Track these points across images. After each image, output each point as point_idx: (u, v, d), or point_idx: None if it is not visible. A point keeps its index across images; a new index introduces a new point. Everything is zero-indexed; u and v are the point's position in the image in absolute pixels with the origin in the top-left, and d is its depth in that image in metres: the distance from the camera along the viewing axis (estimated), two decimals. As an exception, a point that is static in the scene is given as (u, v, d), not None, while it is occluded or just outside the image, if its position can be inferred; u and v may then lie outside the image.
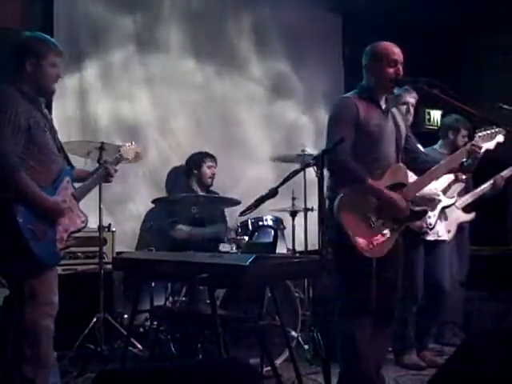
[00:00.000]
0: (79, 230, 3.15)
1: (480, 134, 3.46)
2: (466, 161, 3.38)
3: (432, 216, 4.13)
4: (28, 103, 2.97)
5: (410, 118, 4.10)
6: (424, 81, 3.19)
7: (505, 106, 3.63)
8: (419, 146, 3.70)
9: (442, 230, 4.28)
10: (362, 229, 3.11)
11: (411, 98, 4.12)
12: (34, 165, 2.94)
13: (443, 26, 6.25)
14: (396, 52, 3.24)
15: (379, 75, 3.24)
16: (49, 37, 3.18)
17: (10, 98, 2.93)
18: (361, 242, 3.09)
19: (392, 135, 3.31)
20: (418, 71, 3.20)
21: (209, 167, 4.96)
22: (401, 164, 3.33)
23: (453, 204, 4.30)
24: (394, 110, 3.41)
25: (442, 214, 4.27)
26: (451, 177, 4.22)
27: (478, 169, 3.46)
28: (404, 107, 4.03)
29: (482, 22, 6.14)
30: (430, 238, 4.19)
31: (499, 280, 5.11)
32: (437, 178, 3.46)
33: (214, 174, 4.97)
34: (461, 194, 4.50)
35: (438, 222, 4.22)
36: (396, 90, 3.85)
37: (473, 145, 3.37)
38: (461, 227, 4.55)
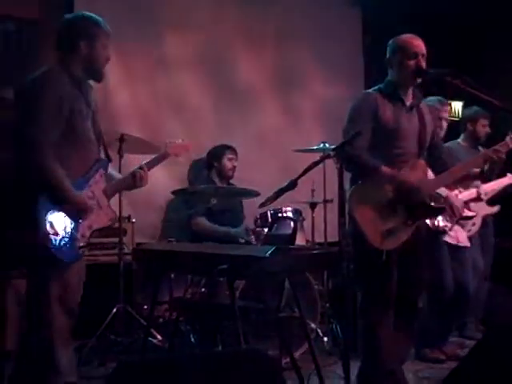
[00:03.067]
0: (105, 228, 3.02)
1: None
2: (485, 168, 3.34)
3: (448, 219, 4.09)
4: (74, 88, 2.87)
5: (442, 133, 4.13)
6: (446, 72, 3.16)
7: None
8: None
9: (462, 237, 4.25)
10: (374, 220, 3.11)
11: (445, 113, 4.19)
12: (69, 152, 2.81)
13: (465, 14, 6.16)
14: (416, 44, 3.21)
15: (400, 68, 3.23)
16: (98, 16, 3.05)
17: (56, 80, 2.81)
18: (371, 233, 3.09)
19: (414, 131, 3.28)
20: (439, 60, 3.17)
21: (229, 159, 4.96)
22: (421, 160, 3.30)
23: (472, 217, 4.26)
24: (422, 105, 3.38)
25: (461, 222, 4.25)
26: (473, 193, 4.24)
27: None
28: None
29: (502, 12, 6.05)
30: (450, 241, 4.17)
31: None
32: (455, 177, 3.39)
33: (234, 167, 4.97)
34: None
35: (459, 229, 4.20)
36: (430, 102, 3.86)
37: (494, 150, 3.31)
38: (485, 221, 4.52)
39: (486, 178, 3.50)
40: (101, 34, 2.96)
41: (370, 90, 3.34)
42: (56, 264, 2.75)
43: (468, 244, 4.29)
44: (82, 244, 2.84)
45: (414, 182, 3.16)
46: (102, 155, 3.06)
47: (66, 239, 2.76)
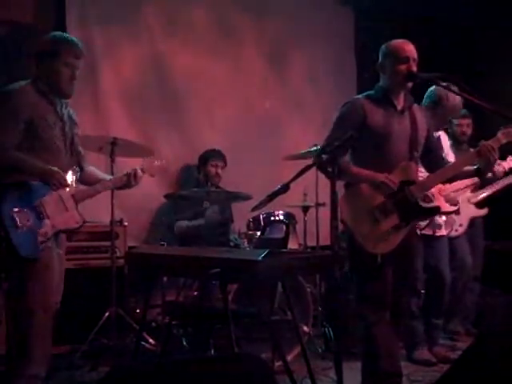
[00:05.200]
0: (71, 231, 3.21)
1: (504, 130, 3.26)
2: (478, 165, 3.30)
3: None
4: (40, 98, 3.05)
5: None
6: (437, 75, 3.17)
7: None
8: None
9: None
10: (365, 224, 3.13)
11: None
12: (36, 158, 3.01)
13: (457, 20, 6.19)
14: (407, 49, 3.23)
15: (391, 73, 3.25)
16: (68, 36, 3.22)
17: (19, 92, 3.04)
18: (363, 237, 3.11)
19: (406, 134, 3.27)
20: (431, 65, 3.18)
21: (212, 166, 4.92)
22: (411, 162, 3.28)
23: (452, 212, 4.25)
24: (415, 107, 3.39)
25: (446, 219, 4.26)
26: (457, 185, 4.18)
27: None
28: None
29: (495, 14, 6.08)
30: (426, 232, 4.13)
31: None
32: (444, 178, 3.38)
33: (217, 173, 4.93)
34: (474, 189, 4.48)
35: (435, 218, 4.20)
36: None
37: (484, 145, 3.23)
38: (474, 222, 4.53)
39: (482, 174, 3.46)
40: (64, 54, 3.09)
41: (358, 96, 3.36)
42: (21, 259, 2.89)
43: (444, 233, 4.27)
44: (42, 239, 2.96)
45: (380, 175, 3.16)
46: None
47: (28, 234, 2.91)
